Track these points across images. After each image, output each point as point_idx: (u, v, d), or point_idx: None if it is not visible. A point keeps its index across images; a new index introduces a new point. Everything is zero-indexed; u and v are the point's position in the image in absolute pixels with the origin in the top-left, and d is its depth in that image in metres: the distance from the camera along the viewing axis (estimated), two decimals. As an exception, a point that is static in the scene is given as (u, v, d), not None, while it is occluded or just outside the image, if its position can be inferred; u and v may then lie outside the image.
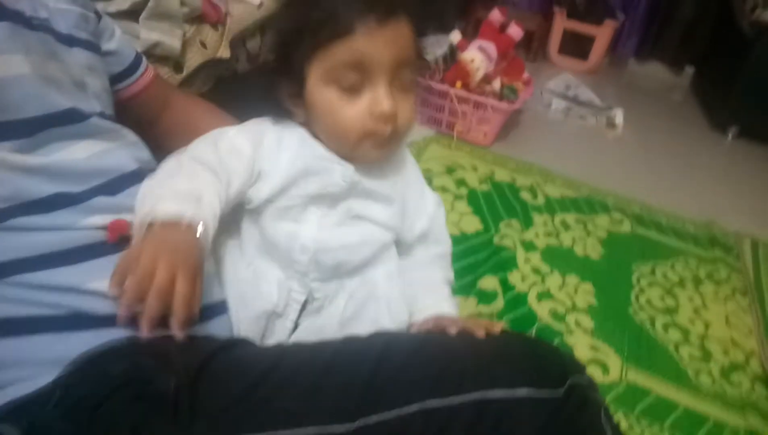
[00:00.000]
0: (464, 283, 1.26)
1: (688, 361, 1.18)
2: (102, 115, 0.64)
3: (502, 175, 1.75)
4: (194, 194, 0.57)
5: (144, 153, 0.69)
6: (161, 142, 0.93)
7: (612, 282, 1.36)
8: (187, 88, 1.10)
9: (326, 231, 0.68)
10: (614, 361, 1.14)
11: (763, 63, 2.08)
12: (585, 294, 1.30)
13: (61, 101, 0.58)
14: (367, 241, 0.72)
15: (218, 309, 0.65)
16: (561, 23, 2.77)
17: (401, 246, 0.79)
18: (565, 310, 1.24)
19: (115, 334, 0.53)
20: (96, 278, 0.54)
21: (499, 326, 0.63)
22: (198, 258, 0.54)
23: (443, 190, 1.62)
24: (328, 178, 0.67)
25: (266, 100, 0.83)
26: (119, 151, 0.63)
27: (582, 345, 1.16)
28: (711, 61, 2.68)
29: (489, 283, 1.27)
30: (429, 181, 1.64)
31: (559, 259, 1.41)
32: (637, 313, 1.28)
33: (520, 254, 1.40)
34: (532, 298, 1.26)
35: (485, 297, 1.23)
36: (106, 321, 0.53)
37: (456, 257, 1.33)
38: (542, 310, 1.23)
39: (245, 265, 0.69)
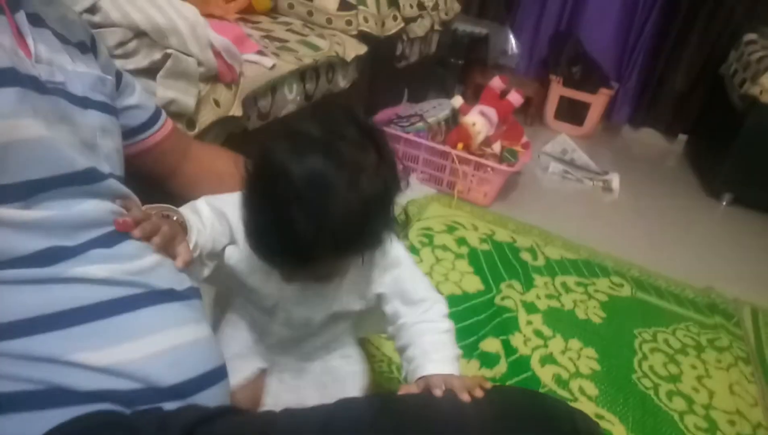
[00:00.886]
0: (466, 345, 1.25)
1: (694, 431, 1.15)
2: (111, 176, 0.65)
3: (502, 235, 1.77)
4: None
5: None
6: (185, 190, 0.95)
7: (614, 347, 1.35)
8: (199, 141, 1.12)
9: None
10: (619, 431, 1.12)
11: (753, 134, 2.14)
12: (588, 359, 1.29)
13: (79, 160, 0.58)
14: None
15: (212, 377, 0.62)
16: (557, 90, 2.87)
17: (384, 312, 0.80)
18: (569, 376, 1.22)
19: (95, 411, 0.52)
20: (78, 349, 0.52)
21: (486, 385, 0.64)
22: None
23: (444, 248, 1.62)
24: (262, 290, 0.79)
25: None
26: (119, 211, 0.63)
27: (587, 413, 1.13)
28: (703, 130, 2.76)
29: (491, 345, 1.26)
30: (430, 239, 1.66)
31: (561, 322, 1.40)
32: (641, 381, 1.27)
33: (522, 316, 1.39)
34: (535, 362, 1.24)
35: (488, 360, 1.21)
36: (87, 397, 0.51)
37: (457, 317, 1.33)
38: (546, 375, 1.21)
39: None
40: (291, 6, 1.84)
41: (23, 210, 0.52)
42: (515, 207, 1.98)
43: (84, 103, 0.63)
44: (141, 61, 1.01)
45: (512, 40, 3.02)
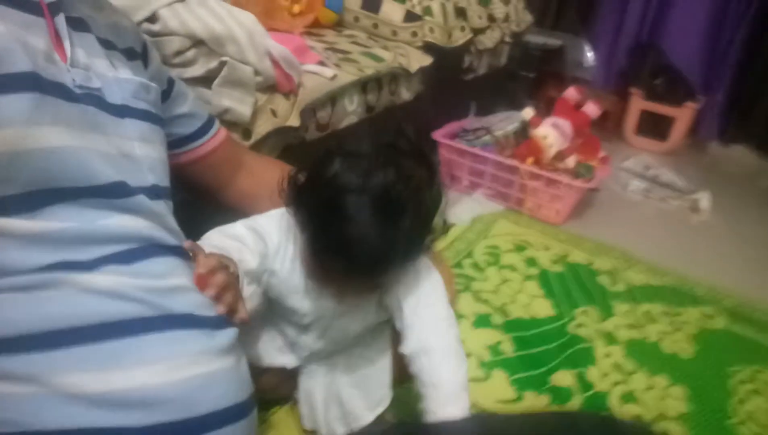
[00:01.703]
0: (535, 376, 1.13)
1: (808, 493, 0.98)
2: (153, 189, 0.61)
3: (577, 257, 1.63)
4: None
5: (175, 239, 0.63)
6: (239, 203, 0.92)
7: (707, 387, 1.18)
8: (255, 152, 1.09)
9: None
10: (716, 486, 0.97)
11: None
12: (675, 400, 1.14)
13: (107, 173, 0.55)
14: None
15: (228, 415, 0.56)
16: (638, 104, 2.69)
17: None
18: (653, 418, 1.08)
19: None
20: (67, 371, 0.47)
21: None
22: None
23: (512, 269, 1.51)
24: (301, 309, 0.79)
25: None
26: (151, 228, 0.58)
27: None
28: (806, 146, 2.49)
29: (564, 378, 1.14)
30: (496, 258, 1.55)
31: (645, 355, 1.25)
32: (738, 428, 1.10)
33: (600, 347, 1.26)
34: (614, 400, 1.11)
35: (559, 395, 1.09)
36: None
37: (525, 343, 1.22)
38: (626, 416, 1.08)
39: None
40: (356, 19, 1.81)
41: (28, 221, 0.48)
42: (591, 226, 1.84)
43: (121, 111, 0.60)
44: (198, 69, 0.99)
45: (588, 52, 2.87)
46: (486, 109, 2.30)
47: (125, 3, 0.97)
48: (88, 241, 0.51)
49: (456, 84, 2.07)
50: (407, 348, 0.74)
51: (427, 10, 1.73)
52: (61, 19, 0.55)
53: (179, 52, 1.00)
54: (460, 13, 1.87)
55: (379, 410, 0.86)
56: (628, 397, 1.12)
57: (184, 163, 0.87)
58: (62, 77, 0.53)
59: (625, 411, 1.08)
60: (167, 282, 0.55)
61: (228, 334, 0.59)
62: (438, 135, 1.89)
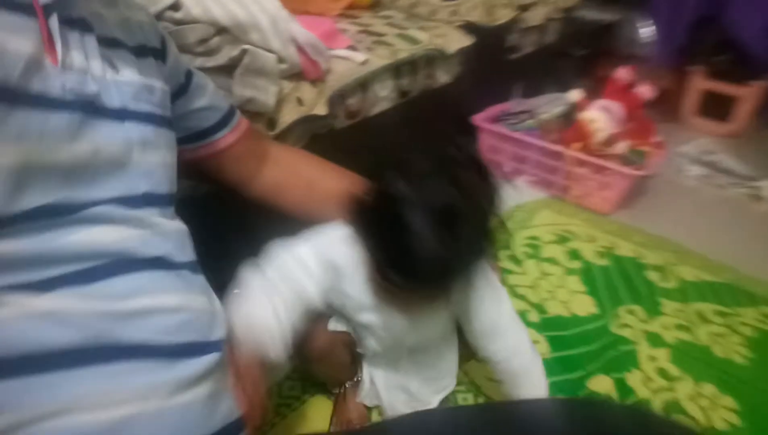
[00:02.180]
0: (570, 380, 1.07)
1: None
2: (143, 197, 0.57)
3: (624, 249, 1.54)
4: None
5: (171, 244, 0.59)
6: (269, 197, 0.90)
7: (763, 398, 1.09)
8: (280, 143, 1.06)
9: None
10: (768, 509, 0.89)
11: None
12: (726, 410, 1.05)
13: (78, 186, 0.51)
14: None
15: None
16: (699, 83, 2.51)
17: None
18: (700, 430, 1.00)
19: None
20: None
21: None
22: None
23: (552, 262, 1.44)
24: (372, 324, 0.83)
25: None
26: (126, 240, 0.54)
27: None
28: None
29: (601, 383, 1.07)
30: (536, 250, 1.48)
31: (694, 360, 1.16)
32: (798, 444, 1.01)
33: (644, 349, 1.18)
34: (656, 409, 1.04)
35: (597, 401, 1.03)
36: None
37: (563, 344, 1.15)
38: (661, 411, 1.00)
39: None
40: (394, -1, 1.74)
41: None
42: (643, 216, 1.73)
43: (120, 115, 0.57)
44: (220, 58, 0.96)
45: (645, 27, 2.69)
46: (532, 91, 2.19)
47: (147, -10, 0.95)
48: (46, 261, 0.47)
49: (499, 64, 1.97)
50: (496, 355, 0.82)
51: (468, -12, 1.64)
52: (54, 21, 0.53)
53: (203, 41, 0.97)
54: (504, -11, 1.77)
55: (445, 394, 0.95)
56: (673, 406, 1.04)
57: (204, 156, 0.85)
58: (46, 84, 0.49)
59: (668, 421, 1.01)
60: (129, 304, 0.50)
61: (197, 364, 0.54)
62: (479, 119, 1.82)
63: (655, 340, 1.21)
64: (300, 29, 1.05)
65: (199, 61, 0.96)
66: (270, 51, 0.99)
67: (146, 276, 0.53)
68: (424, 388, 0.94)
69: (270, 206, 0.94)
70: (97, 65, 0.56)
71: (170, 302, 0.54)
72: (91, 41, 0.57)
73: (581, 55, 2.64)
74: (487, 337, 0.82)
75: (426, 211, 0.63)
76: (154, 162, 0.60)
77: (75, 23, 0.56)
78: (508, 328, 0.82)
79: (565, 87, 2.35)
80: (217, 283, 1.11)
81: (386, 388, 0.95)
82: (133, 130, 0.58)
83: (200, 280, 0.63)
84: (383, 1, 1.75)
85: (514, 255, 1.45)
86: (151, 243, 0.55)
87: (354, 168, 1.03)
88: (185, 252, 0.61)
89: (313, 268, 0.76)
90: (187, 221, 0.93)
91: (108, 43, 0.61)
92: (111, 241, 0.52)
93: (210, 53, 0.98)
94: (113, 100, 0.57)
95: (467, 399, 1.01)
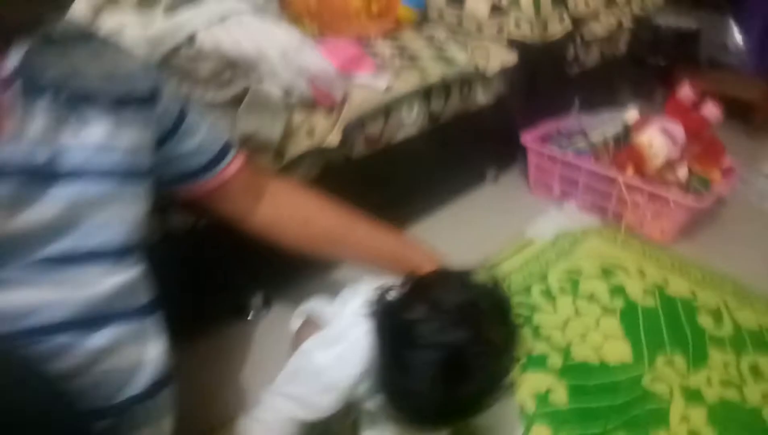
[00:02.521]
0: (587, 437, 0.99)
1: None
2: (90, 254, 0.58)
3: (678, 287, 1.40)
4: None
5: (101, 291, 0.59)
6: (263, 234, 0.91)
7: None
8: (288, 176, 1.06)
9: None
10: None
11: None
12: (766, 490, 0.93)
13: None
14: None
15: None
16: (796, 94, 2.24)
17: None
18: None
19: None
20: None
21: None
22: None
23: (590, 299, 1.34)
24: None
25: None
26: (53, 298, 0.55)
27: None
28: None
29: (620, 444, 0.98)
30: (574, 285, 1.38)
31: (735, 423, 1.04)
32: None
33: (677, 407, 1.07)
34: None
35: (609, 465, 0.94)
36: None
37: (584, 394, 1.07)
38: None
39: None
40: (441, 15, 1.70)
41: None
42: (707, 248, 1.56)
43: (74, 175, 0.58)
44: (225, 94, 0.97)
45: (736, 33, 2.44)
46: (600, 103, 2.06)
47: (164, 25, 0.98)
48: None
49: (557, 79, 1.87)
50: None
51: (514, 2, 1.56)
52: (16, 89, 0.54)
53: (216, 74, 0.99)
54: (559, 1, 1.67)
55: None
56: (700, 479, 0.94)
57: (197, 196, 0.86)
58: None
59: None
60: None
61: None
62: (528, 138, 1.73)
63: (693, 397, 1.09)
64: (313, 58, 1.04)
65: (210, 95, 0.98)
66: (278, 83, 1.00)
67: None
68: None
69: (265, 242, 0.94)
70: (57, 128, 0.58)
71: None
72: (58, 103, 0.59)
73: (661, 65, 2.45)
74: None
75: (433, 352, 0.63)
76: (106, 219, 0.61)
77: (44, 88, 0.58)
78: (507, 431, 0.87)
79: (644, 98, 2.19)
80: (214, 313, 1.14)
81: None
82: (81, 191, 0.59)
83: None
84: (430, 17, 1.71)
85: (549, 289, 1.36)
86: (76, 303, 0.56)
87: (372, 197, 1.01)
88: (127, 301, 0.62)
89: (340, 396, 0.76)
90: (183, 255, 0.96)
91: (81, 99, 0.62)
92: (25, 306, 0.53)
93: (222, 85, 1.00)
94: (69, 162, 0.58)
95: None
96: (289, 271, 1.18)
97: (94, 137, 0.62)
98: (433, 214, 1.61)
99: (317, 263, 1.22)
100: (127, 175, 0.66)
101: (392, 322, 0.68)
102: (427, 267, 0.87)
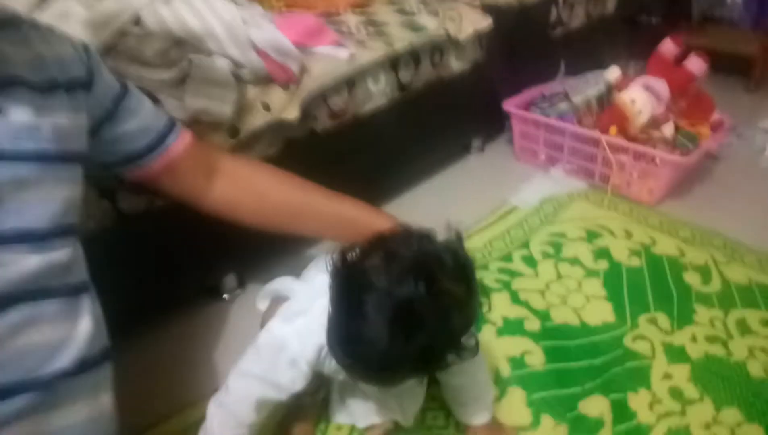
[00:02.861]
0: (562, 397, 0.97)
1: None
2: (13, 233, 0.58)
3: (665, 246, 1.36)
4: None
5: (23, 270, 0.58)
6: (221, 212, 0.90)
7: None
8: (247, 152, 1.05)
9: None
10: None
11: None
12: (747, 443, 0.90)
13: None
14: None
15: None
16: (795, 43, 2.16)
17: None
18: (705, 466, 0.87)
19: None
20: None
21: None
22: None
23: (573, 262, 1.31)
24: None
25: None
26: None
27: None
28: None
29: (596, 405, 0.96)
30: (557, 249, 1.35)
31: (719, 379, 1.01)
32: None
33: (659, 365, 1.04)
34: (657, 436, 0.91)
35: (581, 427, 0.92)
36: None
37: (562, 355, 1.05)
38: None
39: None
40: (414, -18, 1.66)
41: None
42: (700, 206, 1.52)
43: None
44: (174, 71, 0.96)
45: (731, -15, 2.36)
46: (587, 68, 2.01)
47: (107, 8, 0.97)
48: None
49: (540, 42, 1.82)
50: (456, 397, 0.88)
51: (486, -35, 1.52)
52: None
53: (162, 53, 0.98)
54: (535, -39, 1.63)
55: (417, 408, 0.92)
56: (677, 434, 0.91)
57: (145, 176, 0.85)
58: None
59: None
60: None
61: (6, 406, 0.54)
62: (510, 103, 1.69)
63: (675, 354, 1.06)
64: (264, 32, 1.02)
65: (158, 74, 0.97)
66: (228, 58, 0.98)
67: None
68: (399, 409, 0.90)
69: (224, 220, 0.93)
70: None
71: None
72: None
73: (653, 22, 2.38)
74: (453, 391, 0.87)
75: (386, 299, 0.62)
76: (30, 199, 0.61)
77: None
78: (477, 391, 0.87)
79: (633, 60, 2.13)
80: (187, 293, 1.14)
81: (362, 408, 0.91)
82: (9, 170, 0.59)
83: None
84: (403, -12, 1.67)
85: (531, 255, 1.34)
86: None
87: (348, 171, 1.00)
88: (53, 281, 0.61)
89: (305, 370, 0.75)
90: (142, 236, 0.96)
91: (5, 83, 0.62)
92: None
93: (170, 65, 0.98)
94: None
95: (437, 417, 0.94)
96: (262, 251, 1.17)
97: (19, 116, 0.62)
98: (416, 186, 1.59)
99: (291, 242, 1.21)
100: (53, 158, 0.65)
101: (347, 273, 0.67)
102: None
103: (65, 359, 0.58)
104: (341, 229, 0.92)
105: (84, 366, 0.60)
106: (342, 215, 0.92)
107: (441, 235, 0.71)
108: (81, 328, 0.62)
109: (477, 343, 0.72)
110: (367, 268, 0.65)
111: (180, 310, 1.13)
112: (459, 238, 0.72)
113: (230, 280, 1.18)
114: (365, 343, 0.63)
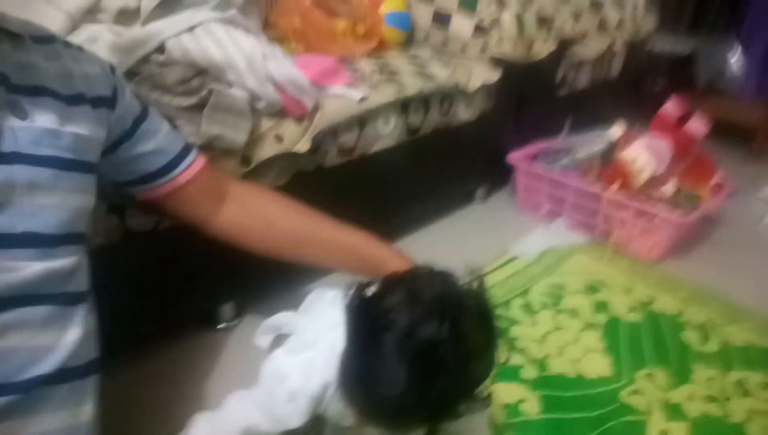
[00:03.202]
0: (555, 451, 0.95)
1: None
2: (23, 237, 0.59)
3: (665, 304, 1.36)
4: None
5: (26, 275, 0.59)
6: (227, 236, 0.91)
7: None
8: (257, 181, 1.07)
9: None
10: None
11: None
12: (745, 507, 0.88)
13: None
14: None
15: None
16: (795, 116, 2.22)
17: None
18: None
19: None
20: None
21: None
22: None
23: (572, 314, 1.31)
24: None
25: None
26: None
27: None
28: None
29: (589, 457, 0.94)
30: (556, 300, 1.35)
31: (717, 440, 0.99)
32: None
33: (656, 422, 1.02)
34: None
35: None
36: None
37: (557, 406, 1.04)
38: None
39: None
40: (427, 36, 1.73)
41: None
42: (699, 267, 1.53)
43: (8, 158, 0.59)
44: (194, 98, 0.99)
45: (734, 58, 2.44)
46: (592, 128, 2.06)
47: (134, 35, 1.01)
48: None
49: (546, 99, 1.88)
50: None
51: (496, 23, 1.59)
52: None
53: (183, 81, 1.01)
54: (544, 22, 1.70)
55: None
56: (674, 494, 0.89)
57: (157, 197, 0.87)
58: None
59: None
60: None
61: None
62: (515, 156, 1.73)
63: (673, 412, 1.05)
64: (283, 67, 1.06)
65: (177, 101, 1.00)
66: (246, 89, 1.01)
67: None
68: None
69: (231, 245, 0.94)
70: (5, 111, 0.59)
71: None
72: (9, 91, 0.61)
73: (655, 90, 2.45)
74: None
75: (406, 341, 0.59)
76: (42, 204, 0.62)
77: None
78: None
79: (636, 124, 2.18)
80: (181, 319, 1.13)
81: None
82: (20, 173, 0.60)
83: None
84: (416, 39, 1.74)
85: (529, 304, 1.34)
86: None
87: (345, 205, 1.01)
88: (52, 287, 0.62)
89: (304, 406, 0.71)
90: (146, 254, 0.96)
91: (34, 90, 0.65)
92: None
93: (190, 93, 1.02)
94: (12, 142, 0.60)
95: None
96: (264, 282, 1.17)
97: (42, 122, 0.64)
98: (419, 230, 1.60)
99: (294, 274, 1.21)
100: (70, 164, 0.67)
101: (367, 310, 0.64)
102: (396, 265, 0.86)
103: (47, 366, 0.58)
104: (349, 259, 0.93)
105: (65, 375, 0.60)
106: (350, 245, 0.93)
107: (460, 278, 0.69)
108: (68, 337, 0.61)
109: (489, 395, 0.69)
110: (387, 306, 0.63)
111: (174, 335, 1.12)
112: (481, 282, 0.69)
113: (228, 308, 1.18)
114: (381, 384, 0.61)
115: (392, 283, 0.66)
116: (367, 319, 0.64)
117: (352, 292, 0.66)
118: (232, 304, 1.18)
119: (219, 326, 1.18)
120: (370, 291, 0.66)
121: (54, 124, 0.65)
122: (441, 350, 0.59)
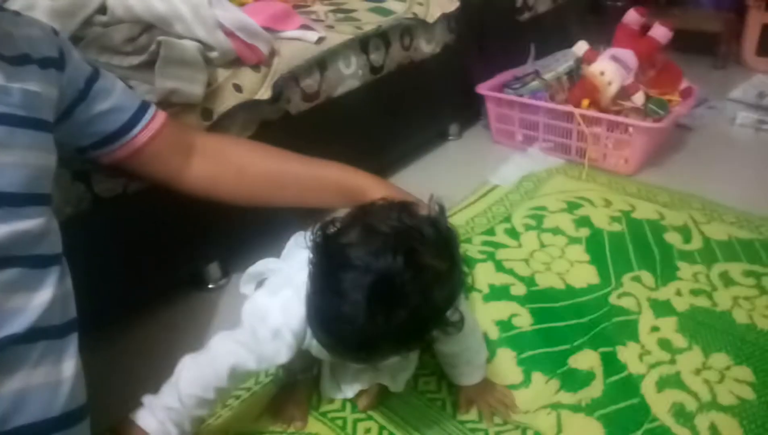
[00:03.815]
0: (551, 355, 0.97)
1: None
2: None
3: (645, 211, 1.38)
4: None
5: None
6: (202, 190, 0.90)
7: (789, 369, 0.93)
8: (221, 133, 1.05)
9: None
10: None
11: None
12: (737, 383, 0.90)
13: None
14: None
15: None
16: (759, 18, 2.22)
17: None
18: (698, 407, 0.86)
19: None
20: None
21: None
22: None
23: (555, 231, 1.31)
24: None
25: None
26: None
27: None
28: None
29: (585, 359, 0.96)
30: (539, 221, 1.36)
31: (707, 327, 1.01)
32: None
33: (646, 319, 1.04)
34: (648, 386, 0.91)
35: (572, 381, 0.92)
36: None
37: (549, 316, 1.05)
38: (660, 405, 0.87)
39: None
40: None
41: None
42: (676, 174, 1.54)
43: None
44: (138, 58, 0.96)
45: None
46: (557, 51, 2.04)
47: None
48: None
49: (508, 27, 1.85)
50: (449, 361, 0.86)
51: (449, -51, 1.54)
52: None
53: (130, 40, 0.97)
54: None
55: (408, 375, 0.90)
56: (669, 381, 0.91)
57: (122, 158, 0.85)
58: None
59: (660, 399, 0.88)
60: None
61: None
62: (483, 87, 1.71)
63: (662, 308, 1.07)
64: (227, 14, 1.02)
65: (128, 60, 0.97)
66: (196, 40, 0.98)
67: None
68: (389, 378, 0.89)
69: (204, 198, 0.93)
70: None
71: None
72: None
73: (619, 5, 2.42)
74: (445, 358, 0.86)
75: (364, 275, 0.60)
76: (2, 162, 0.60)
77: None
78: (469, 356, 0.85)
79: (597, 44, 2.16)
80: (168, 282, 1.12)
81: (350, 380, 0.89)
82: None
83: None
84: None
85: (513, 228, 1.34)
86: None
87: (315, 153, 1.00)
88: (19, 250, 0.60)
89: (290, 340, 0.73)
90: (120, 221, 0.94)
91: None
92: None
93: (140, 50, 0.98)
94: None
95: (429, 382, 0.94)
96: (245, 238, 1.16)
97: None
98: (395, 173, 1.59)
99: (275, 228, 1.20)
100: (23, 121, 0.65)
101: (326, 248, 0.66)
102: (375, 191, 0.85)
103: (17, 326, 0.57)
104: (329, 193, 0.92)
105: (39, 334, 0.59)
106: (326, 178, 0.92)
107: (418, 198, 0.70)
108: (39, 299, 0.60)
109: (462, 318, 0.70)
110: (345, 242, 0.63)
111: (165, 299, 1.11)
112: (441, 211, 0.69)
113: (214, 268, 1.17)
114: (343, 321, 0.62)
115: (351, 219, 0.67)
116: (325, 257, 0.65)
117: (314, 231, 0.67)
118: (218, 264, 1.17)
119: (209, 286, 1.17)
120: (332, 229, 0.67)
121: (1, 79, 0.63)
122: (397, 281, 0.60)
